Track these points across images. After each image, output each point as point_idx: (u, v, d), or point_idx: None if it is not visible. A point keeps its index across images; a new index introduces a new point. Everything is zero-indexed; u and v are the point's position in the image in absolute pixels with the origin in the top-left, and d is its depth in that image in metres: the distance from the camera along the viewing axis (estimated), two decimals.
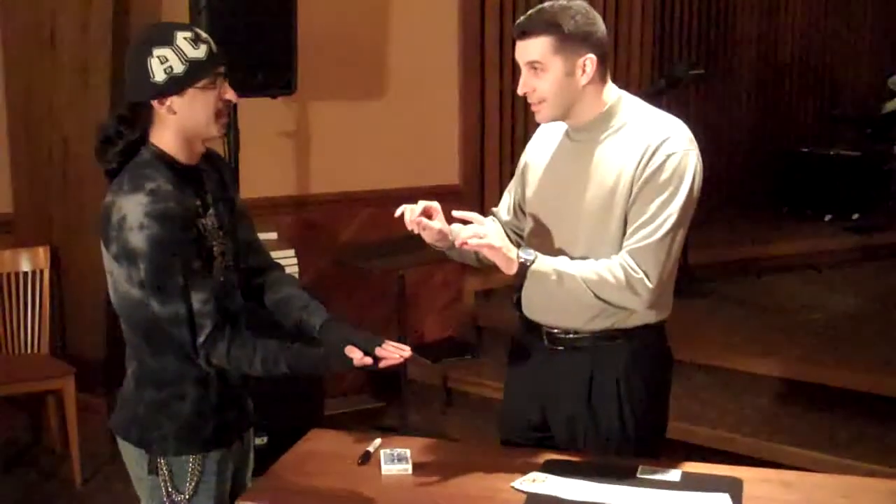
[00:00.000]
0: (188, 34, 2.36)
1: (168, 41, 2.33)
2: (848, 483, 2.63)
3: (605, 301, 2.55)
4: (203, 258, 2.40)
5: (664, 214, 2.50)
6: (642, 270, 2.50)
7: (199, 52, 2.35)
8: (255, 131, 4.59)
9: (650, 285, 2.50)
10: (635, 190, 2.53)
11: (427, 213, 2.67)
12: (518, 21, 2.61)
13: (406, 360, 2.44)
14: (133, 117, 2.40)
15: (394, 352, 2.42)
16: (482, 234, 2.51)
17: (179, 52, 2.33)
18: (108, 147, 2.41)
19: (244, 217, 2.66)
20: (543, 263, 2.52)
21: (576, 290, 2.53)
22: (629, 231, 2.54)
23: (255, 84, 4.22)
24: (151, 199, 2.31)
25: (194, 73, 2.35)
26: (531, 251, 2.53)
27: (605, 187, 2.58)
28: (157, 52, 2.32)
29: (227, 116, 2.47)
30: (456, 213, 2.60)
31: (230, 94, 2.43)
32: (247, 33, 4.16)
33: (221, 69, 2.41)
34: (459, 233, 2.55)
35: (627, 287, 2.51)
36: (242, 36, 4.12)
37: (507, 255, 2.51)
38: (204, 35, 2.40)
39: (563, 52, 2.52)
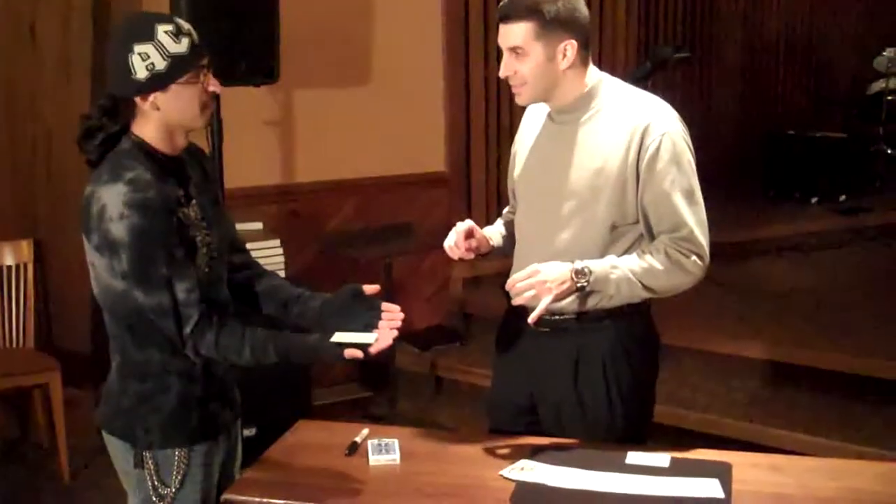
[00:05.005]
0: (169, 27, 2.32)
1: (149, 36, 2.29)
2: (837, 466, 2.64)
3: (654, 290, 2.60)
4: (186, 248, 2.37)
5: (683, 194, 2.56)
6: (695, 253, 2.57)
7: (181, 47, 2.32)
8: (239, 121, 4.56)
9: (706, 261, 2.60)
10: (642, 176, 2.56)
11: (468, 235, 2.75)
12: (501, 4, 2.62)
13: (395, 340, 2.43)
14: (115, 109, 2.38)
15: (390, 320, 2.45)
16: (533, 272, 2.54)
17: (161, 48, 2.29)
18: (90, 139, 2.39)
19: (225, 215, 2.64)
20: (599, 280, 2.55)
21: (630, 292, 2.59)
22: (659, 223, 2.58)
23: (238, 73, 4.19)
24: (130, 188, 2.28)
25: (177, 68, 2.32)
26: (583, 270, 2.54)
27: (591, 168, 2.60)
28: (137, 48, 2.29)
29: (212, 107, 2.45)
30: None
31: (214, 86, 2.40)
32: (229, 21, 4.12)
33: (205, 61, 2.38)
34: (513, 286, 2.58)
35: (682, 271, 2.58)
36: (224, 24, 4.09)
37: (564, 287, 2.53)
38: (186, 27, 2.36)
39: (543, 38, 2.54)
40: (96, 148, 2.39)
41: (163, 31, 2.31)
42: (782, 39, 8.42)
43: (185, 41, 2.33)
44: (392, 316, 2.47)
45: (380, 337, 2.39)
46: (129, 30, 2.34)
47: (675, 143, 2.56)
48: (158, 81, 2.32)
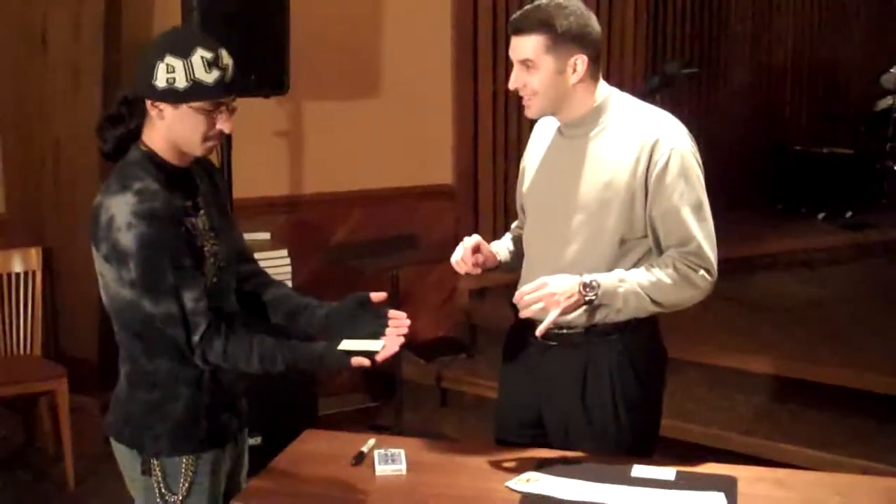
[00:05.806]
0: (208, 55, 2.32)
1: (184, 53, 2.30)
2: (842, 481, 2.64)
3: (662, 304, 2.60)
4: (194, 258, 2.39)
5: (692, 209, 2.57)
6: (703, 268, 2.58)
7: (208, 77, 2.32)
8: (248, 131, 4.55)
9: (714, 275, 2.61)
10: (650, 190, 2.57)
11: (475, 250, 2.75)
12: (513, 17, 2.64)
13: (401, 348, 2.43)
14: (135, 103, 2.39)
15: (396, 327, 2.45)
16: (541, 284, 2.54)
17: (188, 69, 2.30)
18: (110, 127, 2.41)
19: (233, 226, 2.65)
20: (607, 293, 2.56)
21: (637, 305, 2.59)
22: (667, 237, 2.59)
23: (248, 83, 4.20)
24: (138, 198, 2.30)
25: (193, 93, 2.32)
26: (591, 284, 2.54)
27: (599, 182, 2.61)
28: (168, 59, 2.30)
29: (217, 142, 2.44)
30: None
31: (225, 126, 2.39)
32: (239, 32, 4.13)
33: (227, 99, 2.38)
34: (521, 299, 2.58)
35: (690, 285, 2.58)
36: (235, 35, 4.08)
37: (571, 300, 2.54)
38: (225, 62, 2.35)
39: (554, 52, 2.56)
40: (114, 139, 2.41)
41: (200, 55, 2.31)
42: (790, 55, 8.42)
43: (214, 74, 2.32)
44: (398, 323, 2.48)
45: (386, 344, 2.40)
46: (171, 40, 2.35)
47: (683, 157, 2.58)
48: (171, 96, 2.32)
